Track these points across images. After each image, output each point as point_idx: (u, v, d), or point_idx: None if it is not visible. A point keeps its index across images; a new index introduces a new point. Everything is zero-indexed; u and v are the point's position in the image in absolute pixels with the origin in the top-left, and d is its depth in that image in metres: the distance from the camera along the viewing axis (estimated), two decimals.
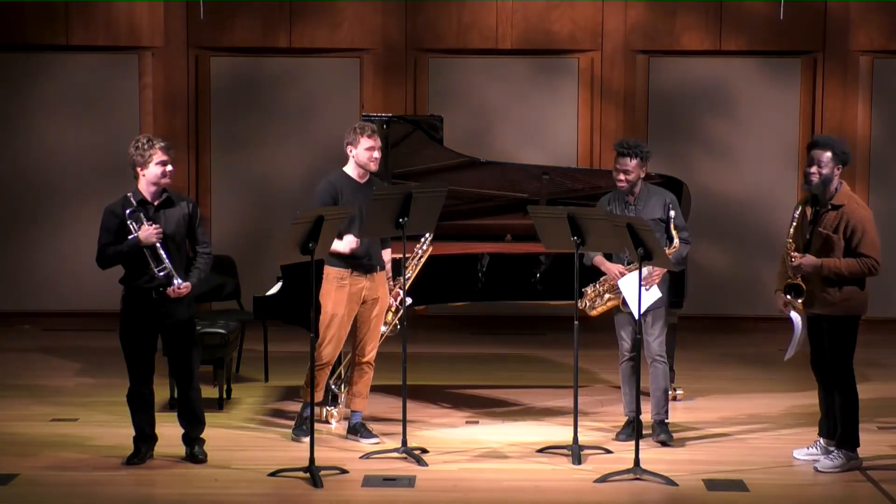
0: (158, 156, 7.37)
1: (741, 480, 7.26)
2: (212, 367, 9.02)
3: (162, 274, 7.38)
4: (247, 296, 9.34)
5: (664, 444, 8.04)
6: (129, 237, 7.36)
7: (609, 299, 8.13)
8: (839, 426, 7.48)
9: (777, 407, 9.09)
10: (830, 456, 7.50)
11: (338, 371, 8.56)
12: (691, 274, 9.22)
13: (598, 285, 8.19)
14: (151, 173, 7.39)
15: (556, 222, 7.53)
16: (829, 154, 7.37)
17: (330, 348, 8.04)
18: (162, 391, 8.99)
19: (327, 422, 8.41)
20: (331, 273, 8.01)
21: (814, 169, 7.39)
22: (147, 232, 7.34)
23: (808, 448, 7.73)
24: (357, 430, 8.12)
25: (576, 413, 7.69)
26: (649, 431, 8.11)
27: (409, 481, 7.24)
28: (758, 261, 12.50)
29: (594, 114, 12.58)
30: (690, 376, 9.91)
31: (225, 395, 9.05)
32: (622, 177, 8.01)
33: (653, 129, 12.56)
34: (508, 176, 9.68)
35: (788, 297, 7.45)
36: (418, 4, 12.50)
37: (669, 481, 7.18)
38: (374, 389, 8.41)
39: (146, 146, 7.38)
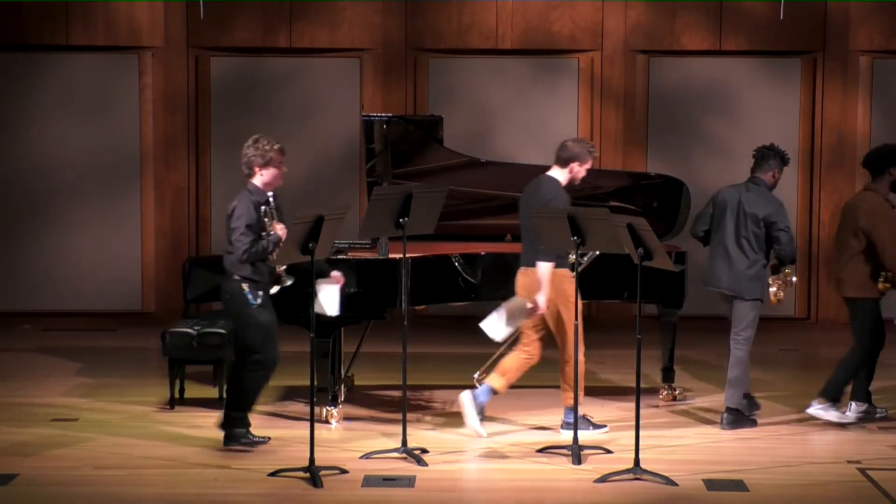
0: (280, 158, 7.61)
1: (741, 480, 7.25)
2: (211, 367, 9.03)
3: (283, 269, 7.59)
4: None
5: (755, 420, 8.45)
6: (270, 233, 7.55)
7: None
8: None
9: (777, 407, 9.08)
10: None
11: (338, 371, 8.55)
12: (692, 274, 9.22)
13: (782, 276, 8.52)
14: (271, 174, 7.63)
15: (556, 222, 7.53)
16: None
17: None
18: (162, 391, 9.00)
19: (327, 422, 8.39)
20: (562, 272, 8.06)
21: None
22: (283, 229, 7.53)
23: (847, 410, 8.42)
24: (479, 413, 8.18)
25: (576, 413, 7.69)
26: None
27: (409, 481, 7.24)
28: None
29: (594, 114, 12.57)
30: (691, 376, 9.91)
31: (225, 395, 9.03)
32: None
33: (653, 129, 12.56)
34: (508, 176, 9.66)
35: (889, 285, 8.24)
36: (418, 4, 12.50)
37: (669, 481, 7.17)
38: (374, 389, 8.40)
39: (268, 147, 7.61)
